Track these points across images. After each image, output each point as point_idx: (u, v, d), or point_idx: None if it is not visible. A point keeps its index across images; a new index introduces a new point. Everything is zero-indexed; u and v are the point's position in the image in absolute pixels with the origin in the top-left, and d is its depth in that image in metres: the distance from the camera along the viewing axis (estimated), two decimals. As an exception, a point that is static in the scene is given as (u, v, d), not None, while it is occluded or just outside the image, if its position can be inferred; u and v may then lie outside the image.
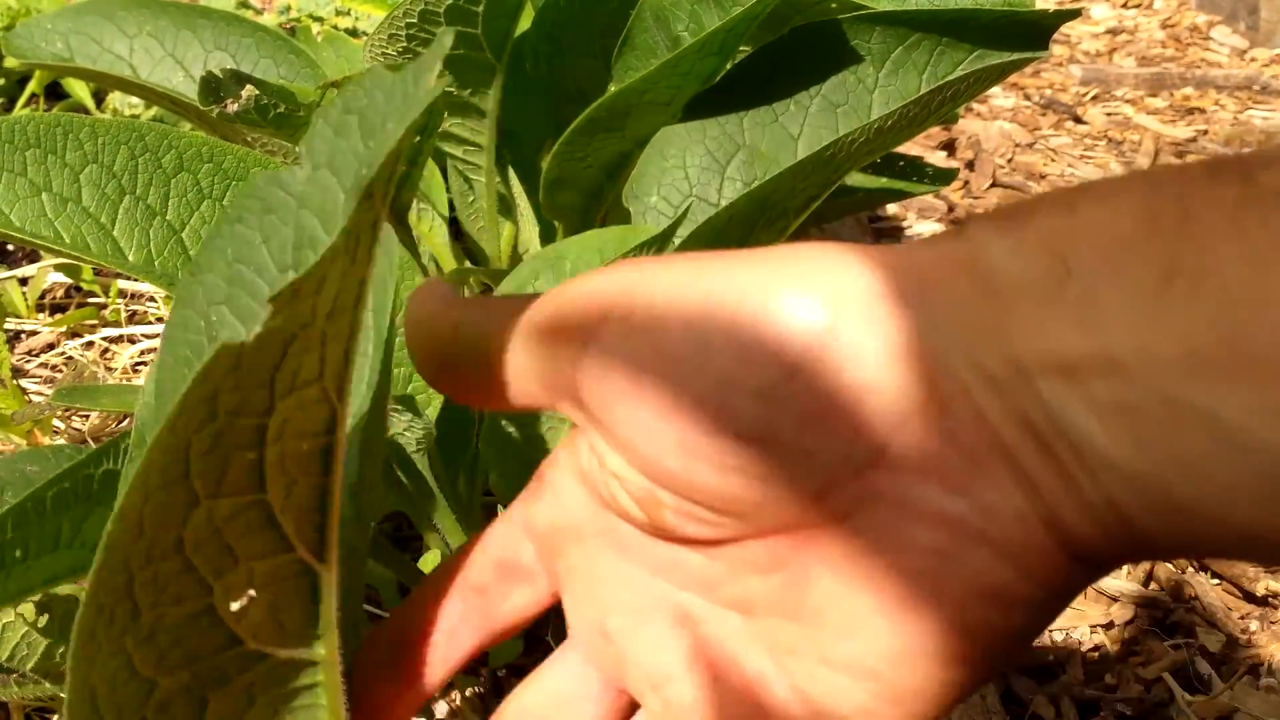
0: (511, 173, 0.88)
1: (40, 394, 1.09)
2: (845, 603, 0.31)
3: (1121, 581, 0.97)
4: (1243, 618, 0.95)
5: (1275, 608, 0.96)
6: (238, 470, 0.29)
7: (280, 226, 0.28)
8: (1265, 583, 0.97)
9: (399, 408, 0.59)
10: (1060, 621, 0.94)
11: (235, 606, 0.31)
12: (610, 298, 0.32)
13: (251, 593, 0.31)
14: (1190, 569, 1.00)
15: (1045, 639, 0.92)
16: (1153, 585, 0.98)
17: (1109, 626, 0.93)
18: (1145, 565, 0.99)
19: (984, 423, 0.28)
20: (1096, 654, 0.92)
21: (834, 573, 0.31)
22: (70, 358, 1.15)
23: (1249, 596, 0.96)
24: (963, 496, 0.28)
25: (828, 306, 0.29)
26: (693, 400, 0.30)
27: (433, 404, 0.66)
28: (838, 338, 0.29)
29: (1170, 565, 1.00)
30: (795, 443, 0.29)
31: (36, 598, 0.58)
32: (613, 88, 0.74)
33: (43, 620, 0.62)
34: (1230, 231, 0.25)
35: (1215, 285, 0.25)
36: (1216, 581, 0.98)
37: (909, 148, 1.22)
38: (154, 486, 0.27)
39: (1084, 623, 0.94)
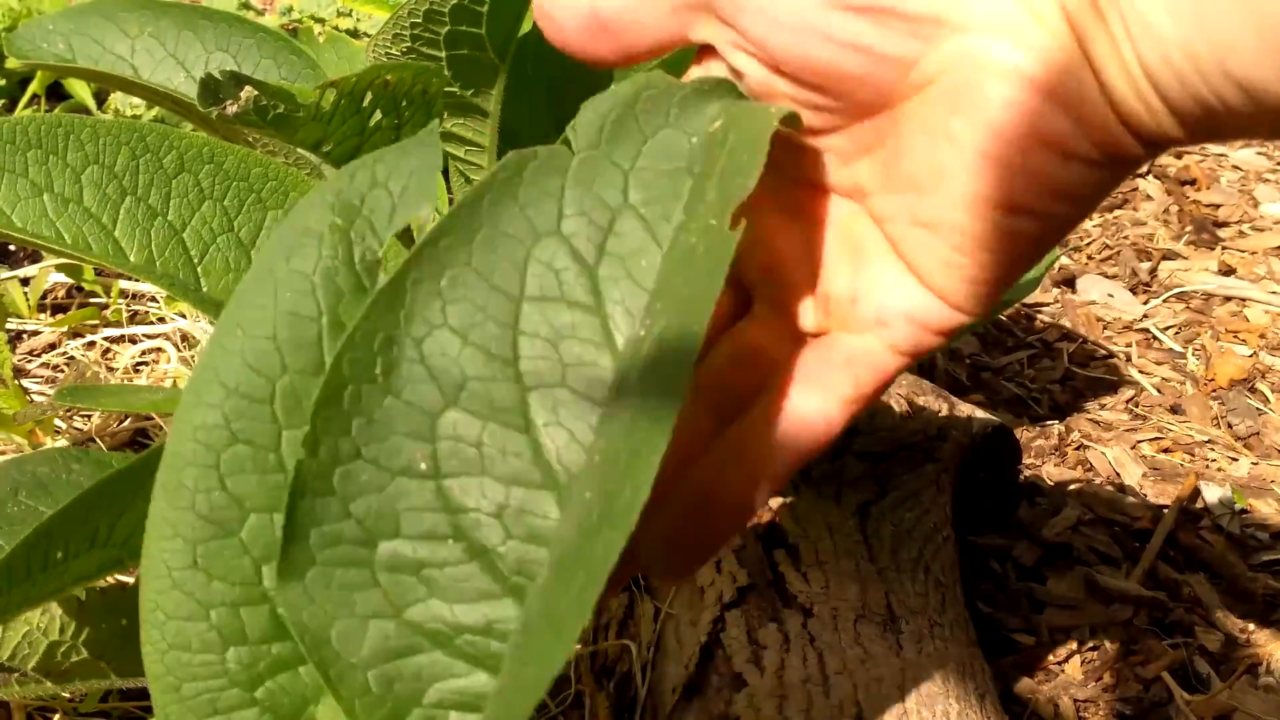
0: (512, 173, 0.89)
1: (42, 394, 1.09)
2: (932, 159, 0.36)
3: (1121, 581, 0.97)
4: (1242, 617, 0.95)
5: (1275, 607, 0.96)
6: None
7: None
8: (1265, 582, 0.97)
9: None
10: (1060, 621, 0.94)
11: None
12: None
13: None
14: (1189, 570, 1.00)
15: (1045, 638, 0.92)
16: (1152, 585, 0.98)
17: (1109, 626, 0.93)
18: (1145, 565, 0.99)
19: None
20: (1096, 653, 0.92)
21: (923, 132, 0.36)
22: (72, 358, 1.15)
23: (1249, 596, 0.96)
24: (1029, 52, 0.34)
25: None
26: None
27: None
28: None
29: (1170, 566, 1.00)
30: (894, 11, 0.35)
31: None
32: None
33: (43, 620, 0.62)
34: None
35: None
36: (1216, 581, 0.98)
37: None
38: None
39: (1084, 622, 0.94)
